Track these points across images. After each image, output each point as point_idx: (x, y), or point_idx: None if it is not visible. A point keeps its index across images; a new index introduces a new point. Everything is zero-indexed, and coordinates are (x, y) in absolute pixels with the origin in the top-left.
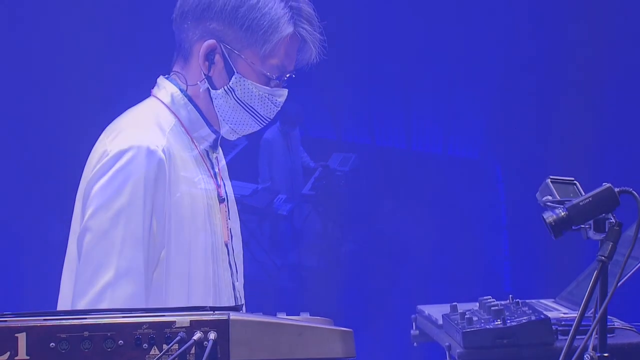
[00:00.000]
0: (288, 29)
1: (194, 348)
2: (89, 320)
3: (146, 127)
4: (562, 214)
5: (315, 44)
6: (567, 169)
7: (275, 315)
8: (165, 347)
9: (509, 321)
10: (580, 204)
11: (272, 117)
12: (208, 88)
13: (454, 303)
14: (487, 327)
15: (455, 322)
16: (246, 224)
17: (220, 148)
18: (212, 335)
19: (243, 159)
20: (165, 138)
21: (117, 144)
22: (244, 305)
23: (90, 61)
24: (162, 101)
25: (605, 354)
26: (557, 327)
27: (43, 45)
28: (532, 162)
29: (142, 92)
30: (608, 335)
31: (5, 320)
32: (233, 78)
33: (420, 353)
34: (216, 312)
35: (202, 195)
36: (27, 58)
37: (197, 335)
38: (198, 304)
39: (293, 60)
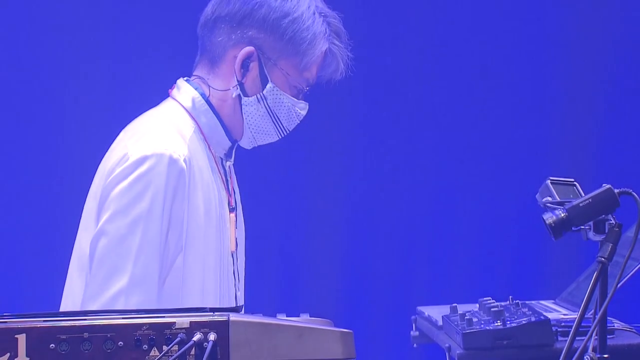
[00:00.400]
0: (325, 45)
1: (193, 349)
2: (89, 321)
3: (168, 134)
4: (562, 215)
5: (344, 61)
6: (567, 170)
7: (275, 316)
8: (165, 348)
9: (508, 322)
10: (580, 205)
11: (291, 129)
12: (239, 95)
13: (454, 304)
14: (487, 328)
15: (455, 323)
16: None
17: (233, 156)
18: (212, 337)
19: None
20: (187, 146)
21: (139, 148)
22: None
23: (90, 61)
24: (182, 105)
25: (605, 355)
26: (557, 328)
27: (43, 45)
28: (531, 163)
29: (144, 92)
30: (608, 337)
31: (5, 322)
32: (268, 86)
33: (420, 354)
34: (216, 313)
35: (215, 204)
36: (27, 58)
37: (197, 336)
38: None
39: (318, 75)
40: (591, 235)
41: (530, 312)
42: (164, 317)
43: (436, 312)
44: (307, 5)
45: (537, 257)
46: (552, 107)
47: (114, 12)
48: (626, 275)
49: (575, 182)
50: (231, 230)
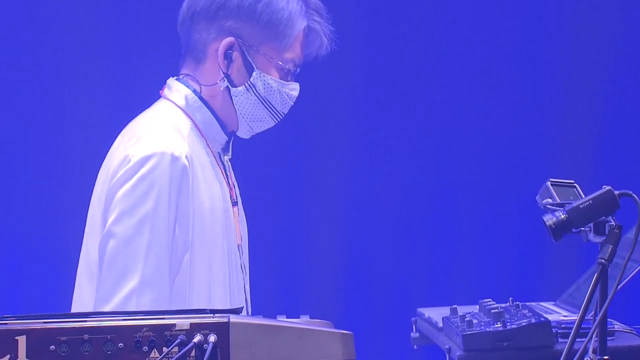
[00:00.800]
0: (303, 22)
1: (194, 351)
2: (89, 323)
3: (167, 132)
4: (562, 216)
5: (326, 35)
6: (567, 172)
7: (275, 317)
8: (165, 349)
9: (509, 324)
10: (580, 206)
11: (286, 112)
12: (228, 87)
13: (454, 305)
14: (487, 329)
15: (455, 324)
16: None
17: (230, 151)
18: (212, 338)
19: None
20: (186, 143)
21: (139, 149)
22: (246, 307)
23: (90, 61)
24: (175, 104)
25: (606, 357)
26: (557, 329)
27: (43, 45)
28: (532, 165)
29: (144, 92)
30: (608, 338)
31: (6, 323)
32: (254, 74)
33: (420, 356)
34: (216, 314)
35: (219, 199)
36: (27, 58)
37: (197, 337)
38: (218, 307)
39: (303, 54)
40: (591, 236)
41: (531, 314)
42: (164, 318)
43: (436, 314)
44: None
45: (537, 259)
46: (553, 109)
47: (114, 12)
48: (626, 277)
49: (575, 184)
50: (236, 224)
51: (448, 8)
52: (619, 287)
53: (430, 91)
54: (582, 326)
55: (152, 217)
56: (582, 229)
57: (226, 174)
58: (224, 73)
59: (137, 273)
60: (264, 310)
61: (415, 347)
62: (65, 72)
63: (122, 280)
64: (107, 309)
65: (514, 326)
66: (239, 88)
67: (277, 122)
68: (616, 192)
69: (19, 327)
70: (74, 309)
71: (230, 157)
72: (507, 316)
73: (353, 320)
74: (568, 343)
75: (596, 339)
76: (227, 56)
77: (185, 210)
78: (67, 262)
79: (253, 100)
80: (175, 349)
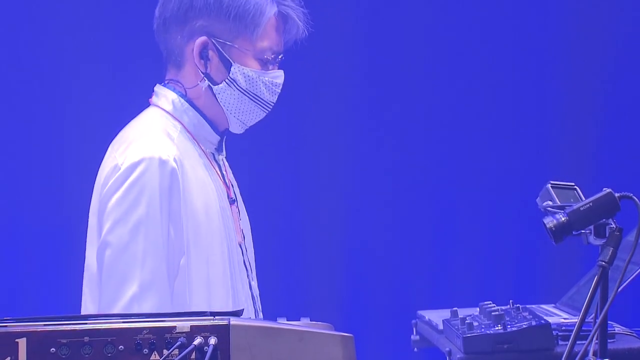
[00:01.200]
0: (272, 9)
1: (194, 353)
2: (90, 325)
3: (155, 137)
4: (563, 219)
5: (300, 18)
6: (567, 174)
7: (275, 320)
8: (165, 352)
9: (509, 326)
10: (581, 209)
11: (274, 100)
12: (209, 86)
13: (455, 308)
14: (488, 332)
15: (456, 327)
16: None
17: (224, 150)
18: (212, 341)
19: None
20: (175, 146)
21: (128, 156)
22: (254, 304)
23: (90, 61)
24: (163, 109)
25: None
26: (557, 332)
27: (43, 44)
28: (532, 167)
29: (145, 92)
30: (608, 341)
31: (6, 326)
32: (232, 68)
33: (421, 358)
34: (216, 317)
35: (214, 199)
36: (27, 58)
37: (198, 340)
38: (219, 308)
39: (281, 40)
40: (592, 239)
41: (531, 316)
42: (164, 321)
43: (437, 316)
44: None
45: (537, 261)
46: (553, 111)
47: (114, 12)
48: (627, 280)
49: (575, 186)
50: (235, 222)
51: (448, 9)
52: (619, 289)
53: (431, 93)
54: (583, 329)
55: (145, 222)
56: (583, 231)
57: (222, 173)
58: (203, 73)
59: (135, 279)
60: (265, 312)
61: (415, 349)
62: (66, 73)
63: (122, 288)
64: None
65: (514, 329)
66: (220, 85)
67: (267, 111)
68: (617, 195)
69: (19, 329)
70: None
71: (225, 155)
72: (508, 319)
73: (353, 322)
74: (568, 346)
75: (596, 341)
76: (203, 56)
77: (177, 212)
78: (68, 265)
79: (237, 95)
80: (176, 352)
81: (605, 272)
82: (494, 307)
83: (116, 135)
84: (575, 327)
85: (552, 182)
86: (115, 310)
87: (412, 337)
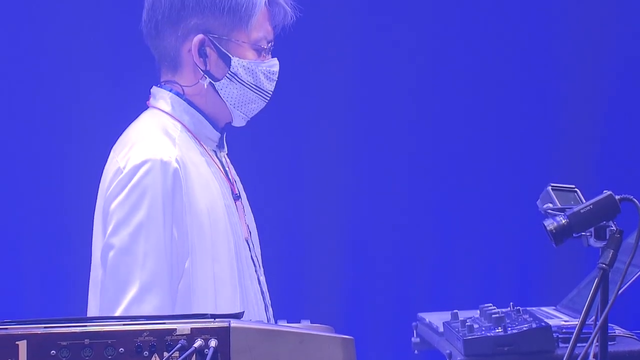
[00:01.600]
0: None
1: (194, 356)
2: (90, 327)
3: (156, 139)
4: (563, 221)
5: (288, 4)
6: (568, 176)
7: (275, 322)
8: (166, 354)
9: (509, 329)
10: (581, 211)
11: (273, 89)
12: (211, 82)
13: (455, 310)
14: (488, 334)
15: (456, 329)
16: None
17: (226, 146)
18: (213, 343)
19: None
20: (177, 147)
21: (130, 159)
22: (263, 299)
23: (90, 61)
24: (162, 110)
25: None
26: (558, 334)
27: (43, 44)
28: (533, 169)
29: (144, 92)
30: (609, 343)
31: (6, 328)
32: (232, 62)
33: None
34: (217, 319)
35: (218, 196)
36: (27, 58)
37: (198, 342)
38: (226, 305)
39: (271, 28)
40: (592, 241)
41: (531, 319)
42: (164, 323)
43: (437, 319)
44: None
45: (538, 264)
46: (554, 113)
47: (114, 14)
48: (627, 282)
49: (576, 189)
50: (241, 219)
51: (449, 9)
52: (619, 292)
53: (433, 96)
54: (583, 331)
55: (146, 224)
56: (583, 233)
57: (225, 170)
58: (203, 70)
59: (135, 282)
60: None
61: (416, 352)
62: (67, 75)
63: (123, 291)
64: None
65: (514, 331)
66: (222, 81)
67: (267, 101)
68: (617, 197)
69: (19, 331)
70: None
71: (226, 152)
72: (508, 321)
73: (354, 325)
74: (569, 348)
75: (597, 343)
76: (202, 53)
77: (180, 213)
78: (69, 267)
79: (239, 88)
80: (176, 354)
81: (606, 275)
82: (495, 309)
83: (118, 137)
84: (576, 329)
85: (552, 184)
86: (116, 312)
87: (413, 339)
